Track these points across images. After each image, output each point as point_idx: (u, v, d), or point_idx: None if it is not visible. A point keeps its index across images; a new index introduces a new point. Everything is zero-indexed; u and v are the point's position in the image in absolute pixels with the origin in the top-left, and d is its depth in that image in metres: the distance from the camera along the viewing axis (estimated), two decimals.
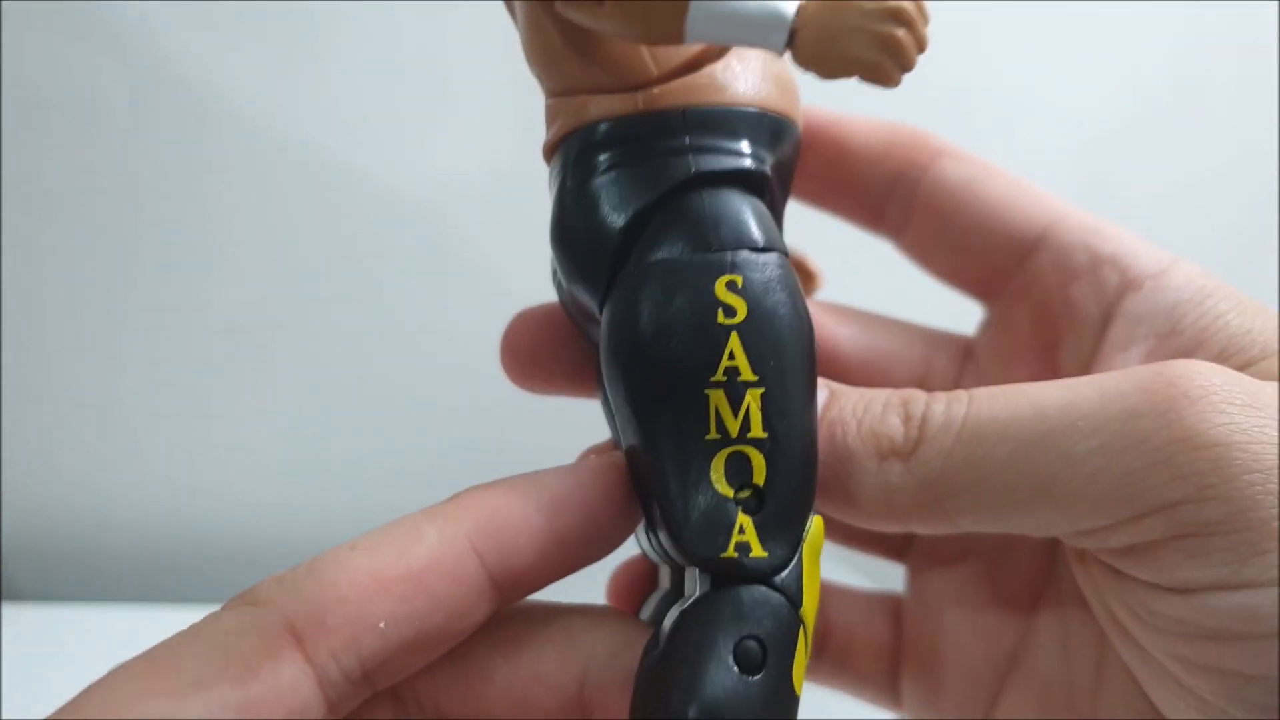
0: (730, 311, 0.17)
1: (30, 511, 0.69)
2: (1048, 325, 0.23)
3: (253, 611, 0.17)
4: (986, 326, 0.25)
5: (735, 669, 0.16)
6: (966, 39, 0.61)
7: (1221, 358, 0.19)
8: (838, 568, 0.26)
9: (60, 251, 0.63)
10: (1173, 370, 0.17)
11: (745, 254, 0.17)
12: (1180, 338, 0.20)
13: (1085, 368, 0.22)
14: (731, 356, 0.17)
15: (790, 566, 0.17)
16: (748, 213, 0.18)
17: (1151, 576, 0.17)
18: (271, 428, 0.68)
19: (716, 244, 0.17)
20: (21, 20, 0.59)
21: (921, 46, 0.16)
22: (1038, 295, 0.23)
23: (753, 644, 0.16)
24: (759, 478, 0.17)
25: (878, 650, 0.26)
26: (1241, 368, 0.19)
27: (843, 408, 0.19)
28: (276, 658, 0.15)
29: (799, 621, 0.16)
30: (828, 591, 0.26)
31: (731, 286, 0.17)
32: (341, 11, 0.60)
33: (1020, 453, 0.17)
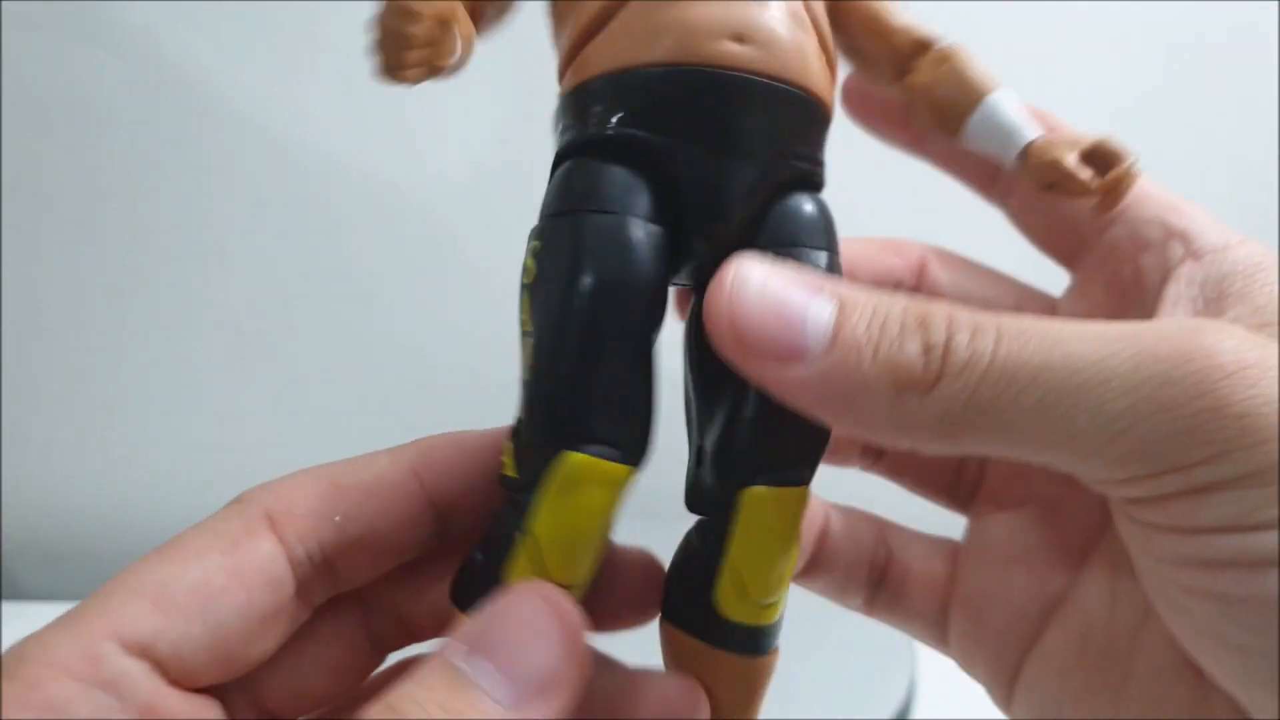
0: (526, 272, 0.20)
1: (30, 511, 0.69)
2: (1119, 292, 0.24)
3: (239, 506, 0.22)
4: (1069, 291, 0.26)
5: (477, 555, 0.20)
6: (963, 39, 0.61)
7: (1255, 314, 0.20)
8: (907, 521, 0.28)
9: (60, 251, 0.63)
10: (1207, 337, 0.17)
11: (546, 220, 0.20)
12: (1225, 300, 0.21)
13: None
14: (523, 310, 0.20)
15: (531, 489, 0.19)
16: (562, 180, 0.20)
17: (1159, 520, 0.18)
18: (271, 428, 0.68)
19: (542, 211, 0.20)
20: (22, 20, 0.59)
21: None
22: (1112, 264, 0.24)
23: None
24: (520, 413, 0.20)
25: (931, 587, 0.27)
26: (1270, 324, 0.20)
27: (855, 328, 0.18)
28: (255, 536, 0.20)
29: (516, 531, 0.19)
30: (891, 531, 0.27)
31: (533, 252, 0.20)
32: (340, 11, 0.60)
33: (1049, 401, 0.17)
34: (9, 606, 0.62)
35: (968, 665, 0.26)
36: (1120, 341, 0.18)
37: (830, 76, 0.20)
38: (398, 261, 0.64)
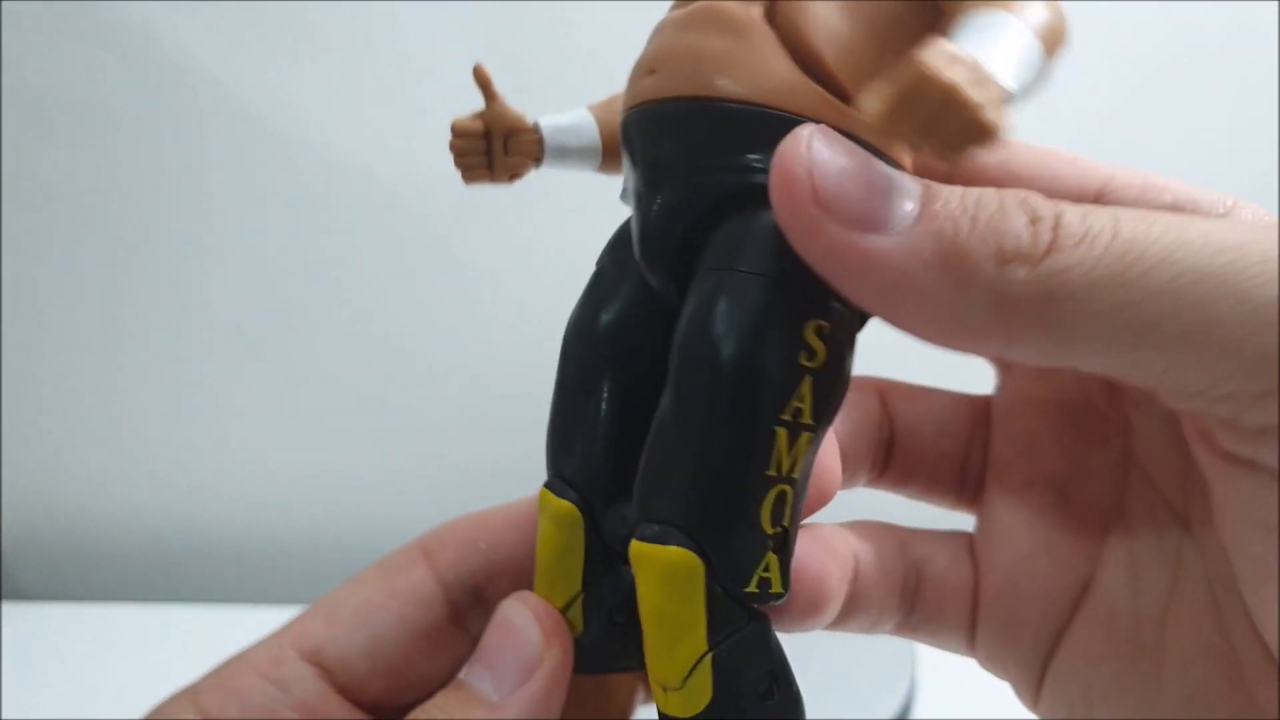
0: (811, 355, 0.17)
1: (30, 511, 0.69)
2: None
3: (405, 545, 0.24)
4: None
5: (760, 698, 0.18)
6: None
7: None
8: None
9: (60, 251, 0.63)
10: None
11: (835, 303, 0.18)
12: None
13: None
14: (800, 398, 0.17)
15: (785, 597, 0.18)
16: None
17: (1267, 457, 0.16)
18: (271, 428, 0.68)
19: (807, 279, 0.17)
20: (22, 20, 0.59)
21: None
22: None
23: (770, 674, 0.18)
24: (788, 520, 0.18)
25: (962, 596, 0.24)
26: None
27: (948, 202, 0.16)
28: (411, 564, 0.23)
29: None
30: (914, 544, 0.25)
31: (819, 332, 0.17)
32: (339, 11, 0.60)
33: (1187, 280, 0.15)
34: (9, 606, 0.62)
35: (996, 665, 0.24)
36: (1263, 230, 0.15)
37: (788, 67, 0.18)
38: (398, 261, 0.64)
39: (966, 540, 0.26)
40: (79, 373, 0.66)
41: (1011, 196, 0.16)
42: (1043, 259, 0.15)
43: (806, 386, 0.17)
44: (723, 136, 0.18)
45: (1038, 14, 0.16)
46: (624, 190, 0.20)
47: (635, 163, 0.19)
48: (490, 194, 0.70)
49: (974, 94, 0.14)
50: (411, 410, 0.66)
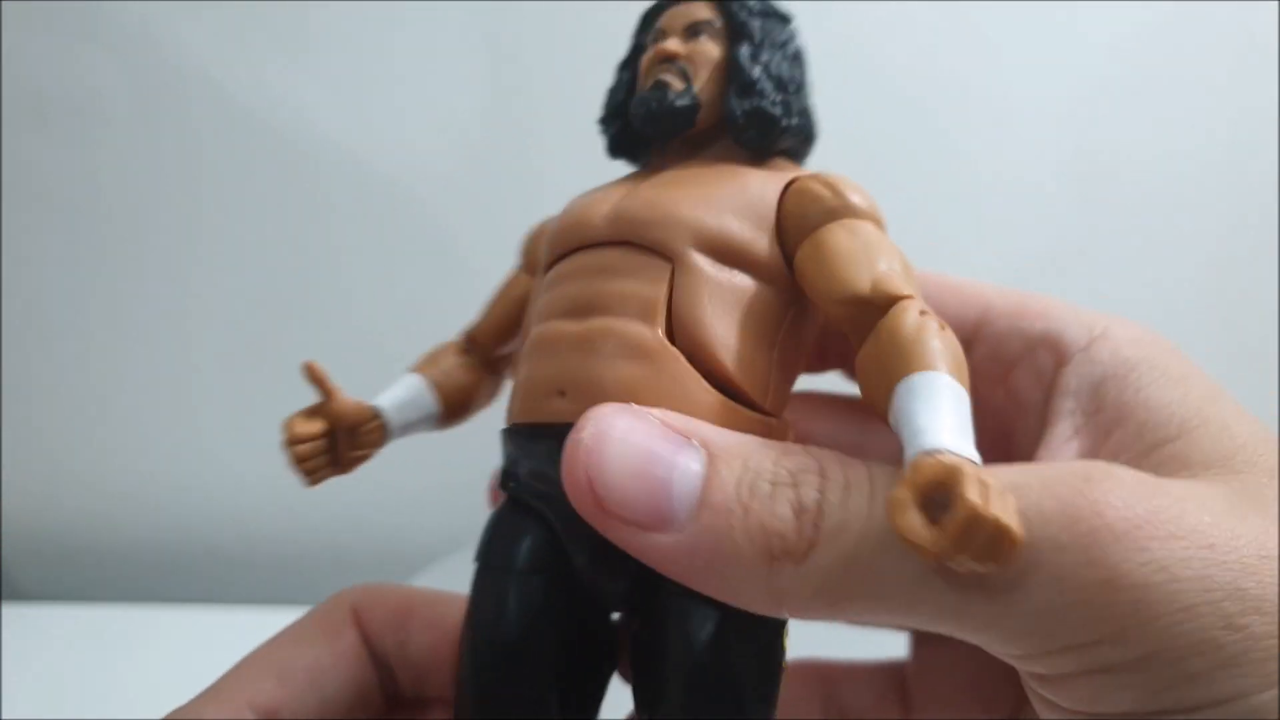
0: (783, 655, 0.20)
1: (30, 511, 0.69)
2: (997, 416, 0.23)
3: (334, 599, 0.24)
4: None
5: None
6: (960, 36, 0.61)
7: (1139, 436, 0.19)
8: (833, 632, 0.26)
9: (60, 251, 0.64)
10: (1095, 490, 0.16)
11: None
12: (1103, 415, 0.20)
13: (1034, 451, 0.22)
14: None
15: None
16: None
17: (1064, 701, 0.17)
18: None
19: None
20: (22, 20, 0.59)
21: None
22: (982, 389, 0.23)
23: None
24: None
25: None
26: (1156, 446, 0.19)
27: (724, 486, 0.17)
28: (347, 626, 0.23)
29: None
30: (838, 675, 0.27)
31: (786, 632, 0.20)
32: (339, 10, 0.60)
33: (929, 573, 0.16)
34: (9, 607, 0.62)
35: None
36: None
37: (706, 390, 0.19)
38: (398, 260, 0.65)
39: (895, 675, 0.27)
40: (79, 373, 0.66)
41: (786, 472, 0.17)
42: (805, 557, 0.16)
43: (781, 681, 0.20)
44: None
45: (953, 355, 0.18)
46: (507, 479, 0.21)
47: (544, 490, 0.20)
48: (489, 193, 0.70)
49: (1014, 523, 0.15)
50: None
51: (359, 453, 0.23)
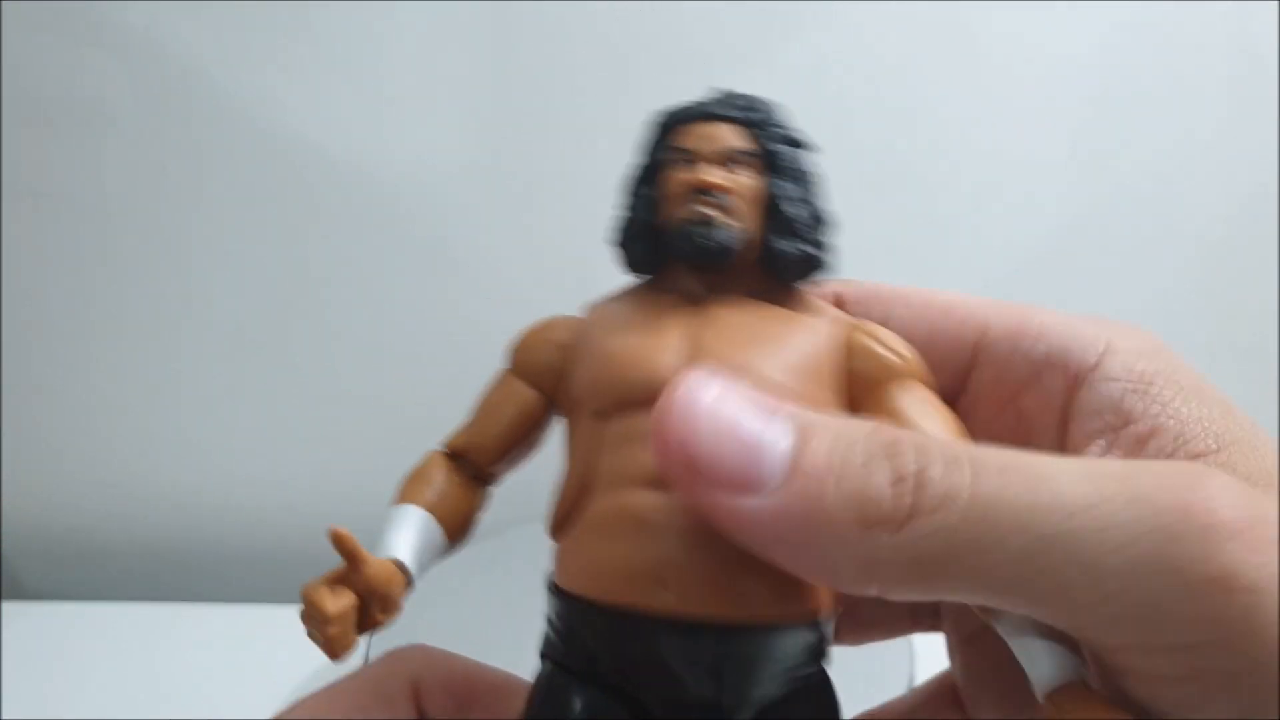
0: None
1: (31, 511, 0.69)
2: (1009, 439, 0.22)
3: (391, 663, 0.23)
4: None
5: None
6: (960, 39, 0.61)
7: (1178, 447, 0.19)
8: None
9: (60, 252, 0.63)
10: (1207, 487, 0.16)
11: None
12: (1132, 428, 0.20)
13: None
14: None
15: None
16: (536, 695, 0.21)
17: (1154, 704, 0.16)
18: (272, 428, 0.68)
19: None
20: (22, 20, 0.59)
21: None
22: (991, 413, 0.23)
23: None
24: None
25: None
26: (1198, 458, 0.19)
27: (815, 454, 0.17)
28: (403, 699, 0.22)
29: None
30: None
31: None
32: (337, 10, 0.60)
33: (1037, 548, 0.16)
34: (9, 606, 0.62)
35: None
36: (1115, 483, 0.16)
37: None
38: (398, 262, 0.65)
39: (946, 690, 0.27)
40: (80, 372, 0.66)
41: (880, 445, 0.17)
42: (904, 525, 0.16)
43: None
44: (768, 661, 0.19)
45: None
46: (569, 654, 0.20)
47: (640, 679, 0.19)
48: (488, 194, 0.70)
49: None
50: (412, 412, 0.66)
51: (389, 616, 0.21)
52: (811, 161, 0.23)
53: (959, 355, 0.23)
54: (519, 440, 0.23)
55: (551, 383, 0.23)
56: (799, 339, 0.21)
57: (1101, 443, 0.20)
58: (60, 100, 0.60)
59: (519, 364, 0.24)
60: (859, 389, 0.21)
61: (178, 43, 0.60)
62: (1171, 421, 0.19)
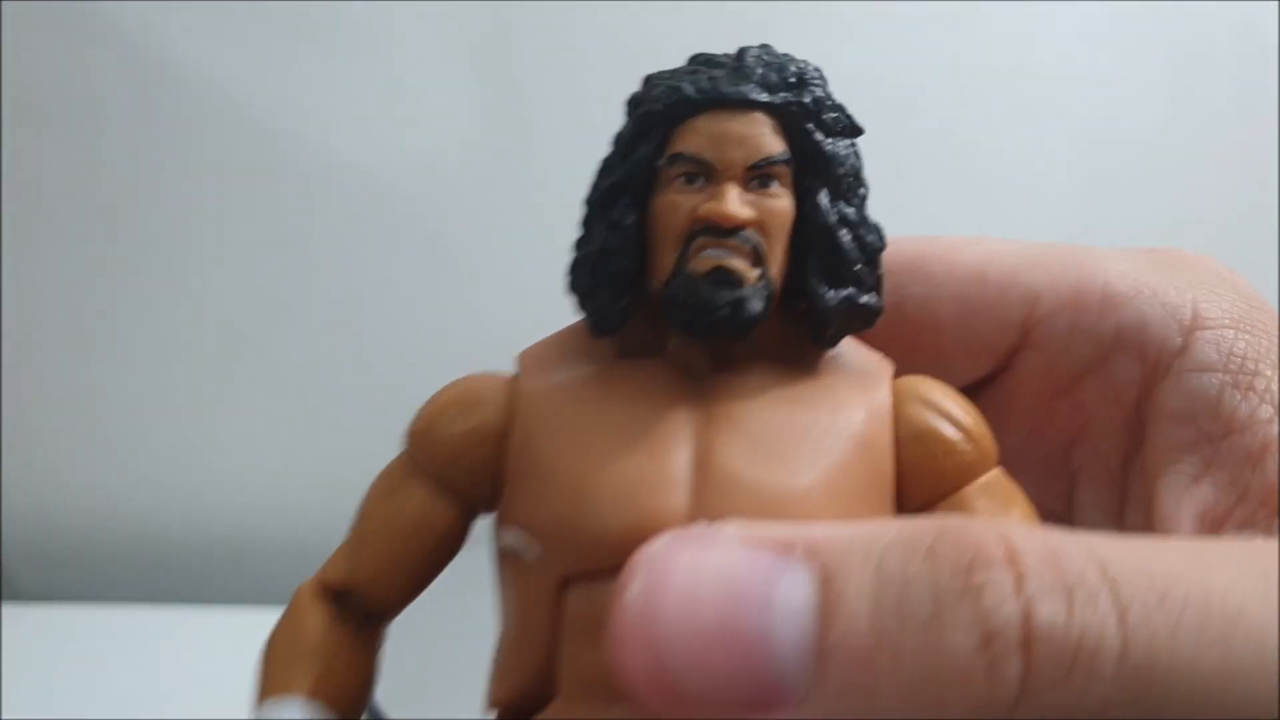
0: None
1: (30, 511, 0.69)
2: (1056, 438, 0.18)
3: None
4: None
5: None
6: (969, 40, 0.61)
7: None
8: None
9: (60, 251, 0.63)
10: None
11: None
12: (1235, 442, 0.15)
13: (1118, 484, 0.17)
14: None
15: None
16: None
17: None
18: (272, 429, 0.68)
19: None
20: (21, 20, 0.59)
21: None
22: (1038, 405, 0.18)
23: None
24: None
25: None
26: None
27: (853, 614, 0.11)
28: None
29: None
30: None
31: None
32: (335, 10, 0.60)
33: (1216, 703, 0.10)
34: (9, 607, 0.62)
35: None
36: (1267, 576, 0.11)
37: None
38: (395, 260, 0.64)
39: None
40: (79, 373, 0.66)
41: (948, 573, 0.10)
42: (1014, 709, 0.10)
43: None
44: None
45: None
46: None
47: None
48: (486, 192, 0.70)
49: None
50: (410, 412, 0.66)
51: None
52: (856, 153, 0.17)
53: (1002, 338, 0.18)
54: (427, 569, 0.17)
55: (477, 492, 0.17)
56: (845, 432, 0.15)
57: (1191, 464, 0.15)
58: (54, 97, 0.60)
59: (427, 459, 0.17)
60: (924, 488, 0.16)
61: (174, 40, 0.60)
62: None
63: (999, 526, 0.11)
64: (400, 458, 0.18)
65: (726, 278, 0.15)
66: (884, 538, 0.11)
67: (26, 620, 0.60)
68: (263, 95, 0.61)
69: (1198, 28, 0.61)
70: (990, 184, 0.63)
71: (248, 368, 0.66)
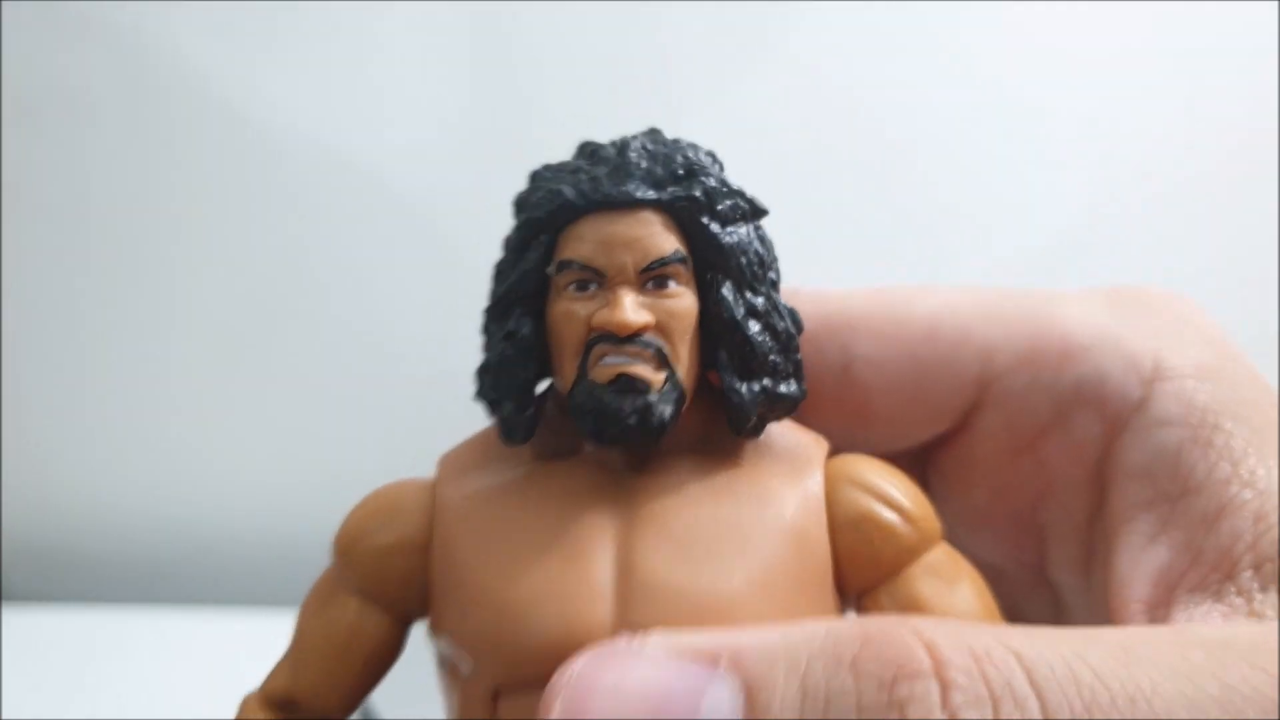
0: None
1: (30, 511, 0.69)
2: (1021, 496, 0.18)
3: None
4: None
5: None
6: (978, 45, 0.61)
7: (1259, 536, 0.14)
8: None
9: (59, 252, 0.63)
10: None
11: None
12: (1193, 502, 0.14)
13: (1085, 540, 0.17)
14: None
15: None
16: None
17: None
18: (272, 430, 0.67)
19: None
20: (21, 20, 0.59)
21: None
22: (1000, 463, 0.17)
23: None
24: None
25: None
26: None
27: None
28: None
29: None
30: None
31: None
32: (330, 9, 0.60)
33: None
34: (8, 607, 0.62)
35: None
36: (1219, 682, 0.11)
37: None
38: (392, 260, 0.64)
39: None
40: (77, 375, 0.66)
41: (873, 682, 0.10)
42: None
43: None
44: None
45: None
46: None
47: None
48: (483, 190, 0.70)
49: None
50: (409, 412, 0.66)
51: None
52: (767, 237, 0.16)
53: (958, 398, 0.17)
54: (367, 677, 0.17)
55: (406, 602, 0.17)
56: (775, 527, 0.15)
57: (1148, 523, 0.15)
58: (50, 96, 0.60)
59: (354, 574, 0.17)
60: (862, 574, 0.15)
61: (165, 36, 0.60)
62: (1248, 495, 0.14)
63: (925, 631, 0.11)
64: (329, 571, 0.18)
65: (630, 385, 0.15)
66: (809, 646, 0.11)
67: (26, 620, 0.60)
68: (261, 95, 0.61)
69: (1198, 28, 0.61)
70: (990, 183, 0.64)
71: (247, 368, 0.66)
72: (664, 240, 0.15)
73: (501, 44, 0.60)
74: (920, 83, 0.61)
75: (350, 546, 0.18)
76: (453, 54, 0.60)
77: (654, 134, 0.16)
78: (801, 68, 0.60)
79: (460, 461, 0.17)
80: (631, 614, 0.14)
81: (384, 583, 0.17)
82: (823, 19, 0.59)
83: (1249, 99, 0.62)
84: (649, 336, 0.15)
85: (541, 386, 0.17)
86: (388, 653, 0.17)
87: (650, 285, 0.15)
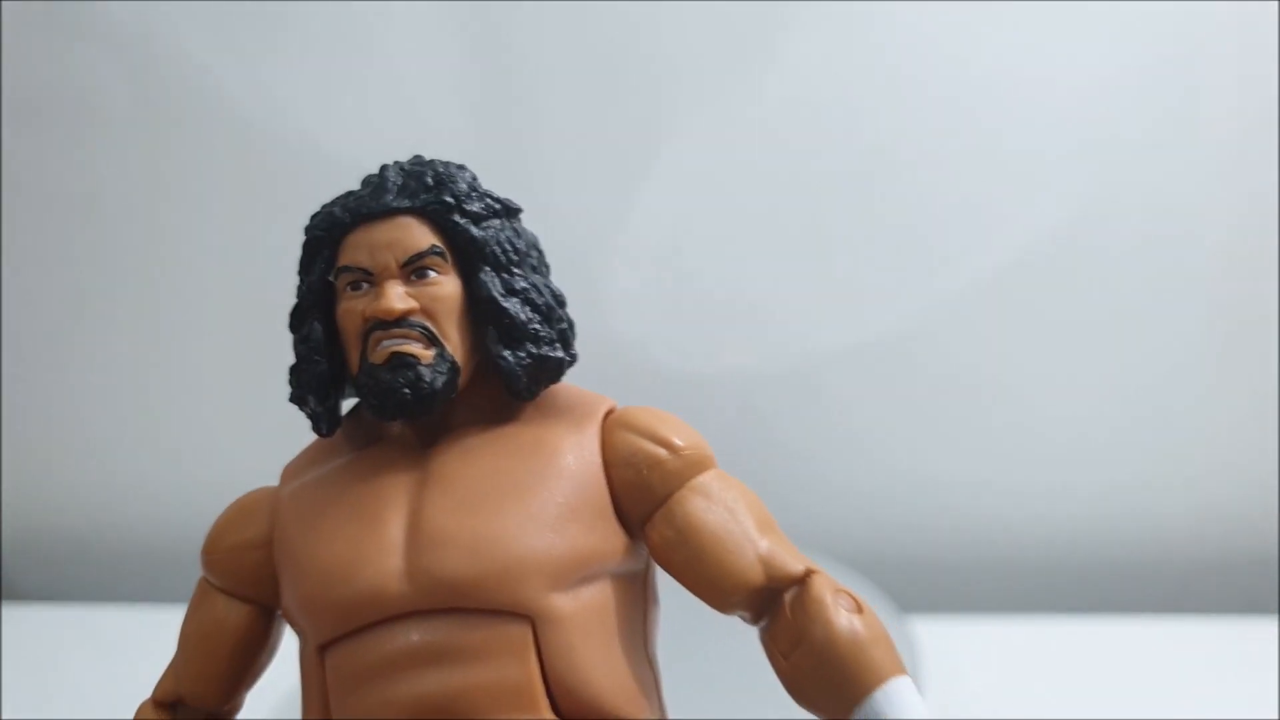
0: None
1: (30, 511, 0.69)
2: None
3: None
4: None
5: None
6: (970, 36, 0.61)
7: None
8: None
9: (59, 252, 0.63)
10: None
11: None
12: None
13: None
14: None
15: None
16: None
17: None
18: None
19: None
20: (21, 20, 0.59)
21: None
22: None
23: None
24: None
25: None
26: None
27: None
28: None
29: None
30: None
31: None
32: (331, 10, 0.60)
33: None
34: (9, 607, 0.62)
35: None
36: None
37: None
38: None
39: None
40: (78, 373, 0.66)
41: None
42: None
43: None
44: None
45: (885, 639, 0.17)
46: None
47: None
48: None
49: None
50: None
51: None
52: (524, 230, 0.19)
53: None
54: (248, 667, 0.20)
55: (263, 591, 0.19)
56: (551, 472, 0.17)
57: None
58: (51, 95, 0.60)
59: (214, 574, 0.20)
60: (638, 504, 0.18)
61: (168, 36, 0.60)
62: None
63: None
64: (200, 578, 0.21)
65: (403, 361, 0.17)
66: None
67: (26, 620, 0.60)
68: (262, 95, 0.61)
69: (1198, 28, 0.61)
70: (989, 183, 0.63)
71: (248, 368, 0.66)
72: (420, 238, 0.19)
73: (502, 46, 0.60)
74: (920, 82, 0.61)
75: (209, 553, 0.21)
76: (455, 56, 0.60)
77: (414, 158, 0.21)
78: (801, 68, 0.60)
79: (296, 465, 0.21)
80: (418, 561, 0.17)
81: (240, 577, 0.20)
82: (823, 19, 0.59)
83: (1248, 99, 0.62)
84: (415, 319, 0.18)
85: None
86: (255, 642, 0.20)
87: (414, 277, 0.18)
